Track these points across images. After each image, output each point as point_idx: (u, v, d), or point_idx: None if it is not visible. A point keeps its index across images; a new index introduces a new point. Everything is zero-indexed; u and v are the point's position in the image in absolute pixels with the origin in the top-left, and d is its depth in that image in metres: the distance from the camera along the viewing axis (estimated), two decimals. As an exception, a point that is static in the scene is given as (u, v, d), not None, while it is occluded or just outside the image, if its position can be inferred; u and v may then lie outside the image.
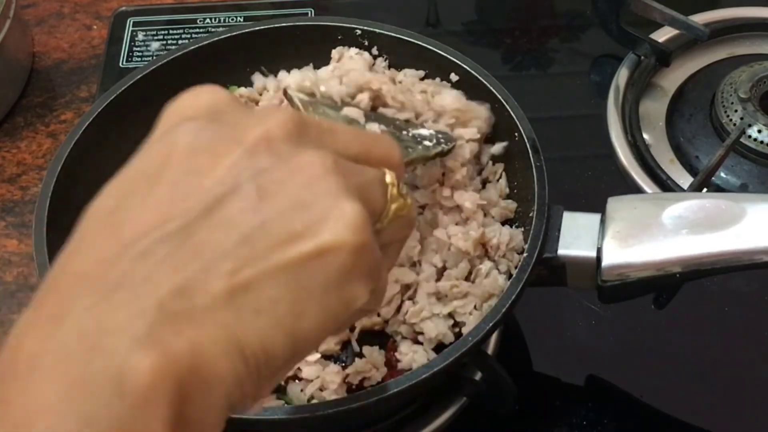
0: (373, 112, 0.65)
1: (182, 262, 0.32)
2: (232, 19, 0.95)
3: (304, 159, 0.36)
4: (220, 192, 0.34)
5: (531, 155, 0.64)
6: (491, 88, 0.68)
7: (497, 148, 0.68)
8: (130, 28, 0.94)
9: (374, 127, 0.63)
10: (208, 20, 0.94)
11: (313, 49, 0.74)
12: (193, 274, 0.32)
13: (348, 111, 0.64)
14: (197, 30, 0.94)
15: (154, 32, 0.93)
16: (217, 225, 0.33)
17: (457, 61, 0.70)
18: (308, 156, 0.36)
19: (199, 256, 0.33)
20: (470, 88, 0.69)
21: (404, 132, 0.64)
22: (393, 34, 0.73)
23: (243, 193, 0.34)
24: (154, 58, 0.90)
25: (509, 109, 0.66)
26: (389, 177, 0.40)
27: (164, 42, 0.92)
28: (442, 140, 0.65)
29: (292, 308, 0.34)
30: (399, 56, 0.74)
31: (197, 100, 0.38)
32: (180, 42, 0.92)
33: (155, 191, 0.34)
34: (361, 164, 0.39)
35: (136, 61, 0.90)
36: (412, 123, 0.66)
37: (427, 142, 0.64)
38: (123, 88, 0.69)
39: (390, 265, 0.43)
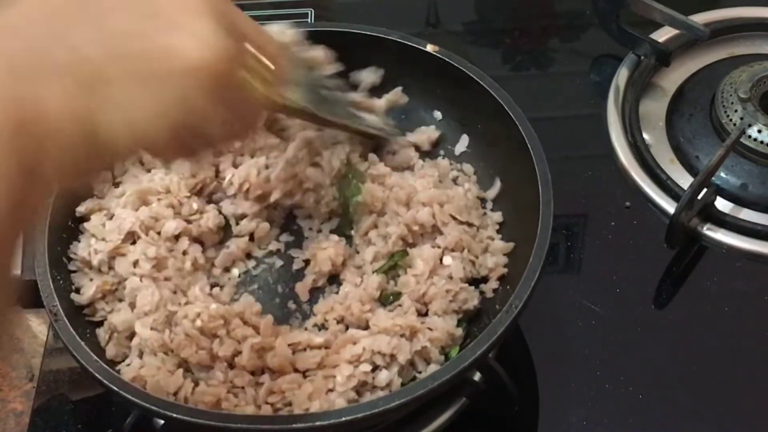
0: (334, 79, 0.67)
1: (62, 27, 0.38)
2: (232, 19, 0.94)
3: None
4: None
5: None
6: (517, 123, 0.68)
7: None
8: (130, 28, 0.93)
9: (333, 93, 0.66)
10: (208, 20, 0.94)
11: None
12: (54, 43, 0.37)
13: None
14: (197, 30, 0.93)
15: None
16: (84, 8, 0.39)
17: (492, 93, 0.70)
18: None
19: (60, 29, 0.38)
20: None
21: (352, 107, 0.68)
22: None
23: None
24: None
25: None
26: (260, 56, 0.45)
27: (164, 42, 0.92)
28: (379, 129, 0.70)
29: (135, 101, 0.38)
30: (402, 64, 0.74)
31: None
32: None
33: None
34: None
35: (136, 61, 0.90)
36: (361, 107, 0.71)
37: (364, 122, 0.69)
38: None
39: (228, 138, 0.48)
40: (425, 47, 0.72)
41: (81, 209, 0.66)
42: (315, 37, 0.74)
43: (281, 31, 0.62)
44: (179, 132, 0.41)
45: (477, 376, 0.60)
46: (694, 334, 0.71)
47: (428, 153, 0.74)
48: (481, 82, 0.70)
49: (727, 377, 0.68)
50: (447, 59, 0.72)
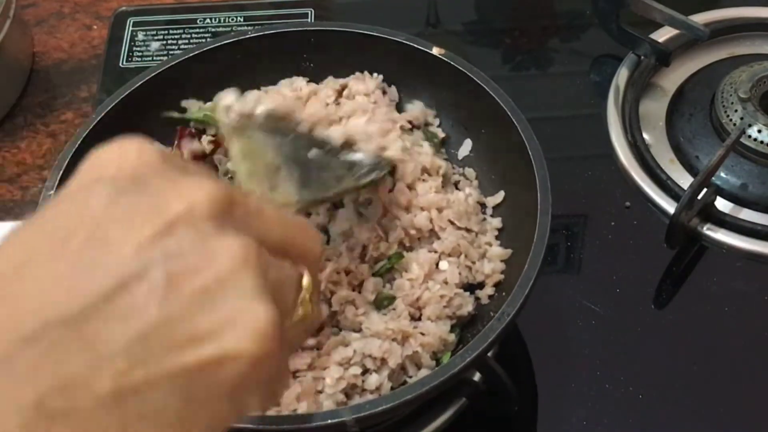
0: (307, 134, 0.62)
1: (71, 353, 0.29)
2: (232, 19, 0.95)
3: (224, 245, 0.32)
4: (126, 273, 0.31)
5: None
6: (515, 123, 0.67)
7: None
8: (130, 28, 0.94)
9: (310, 154, 0.60)
10: (208, 20, 0.94)
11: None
12: (80, 370, 0.29)
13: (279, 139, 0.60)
14: (197, 30, 0.94)
15: (154, 32, 0.93)
16: (115, 315, 0.30)
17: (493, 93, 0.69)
18: (228, 242, 0.32)
19: (89, 349, 0.30)
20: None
21: (337, 158, 0.61)
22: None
23: (150, 280, 0.31)
24: (154, 58, 0.90)
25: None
26: (306, 280, 0.37)
27: (164, 42, 0.92)
28: (376, 166, 0.62)
29: (179, 416, 0.31)
30: (405, 66, 0.74)
31: (122, 157, 0.34)
32: (180, 42, 0.92)
33: (57, 262, 0.31)
34: (281, 253, 0.36)
35: (136, 61, 0.90)
36: (347, 147, 0.63)
37: (359, 169, 0.61)
38: (128, 92, 0.69)
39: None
40: (431, 50, 0.72)
41: None
42: (317, 37, 0.75)
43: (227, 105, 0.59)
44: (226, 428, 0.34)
45: (477, 377, 0.60)
46: (694, 334, 0.71)
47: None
48: (485, 87, 0.69)
49: (727, 377, 0.68)
50: (452, 63, 0.71)
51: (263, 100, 0.60)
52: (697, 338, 0.70)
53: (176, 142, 0.69)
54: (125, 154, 0.34)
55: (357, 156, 0.62)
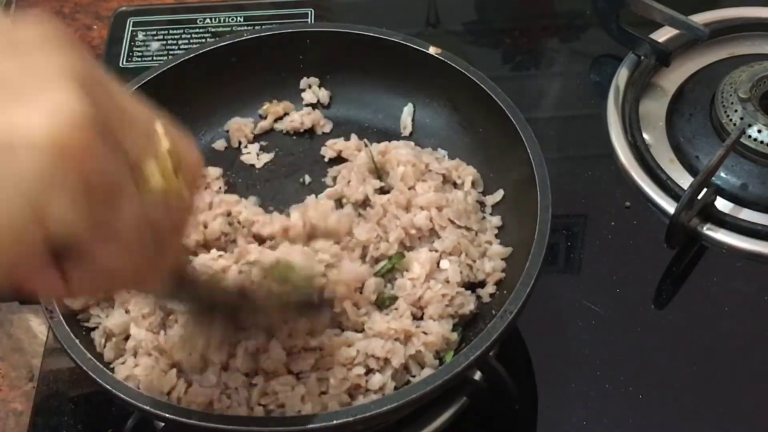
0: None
1: None
2: (232, 19, 0.95)
3: (46, 51, 0.30)
4: None
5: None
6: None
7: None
8: (130, 28, 0.94)
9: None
10: (208, 20, 0.94)
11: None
12: None
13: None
14: (197, 30, 0.94)
15: (154, 32, 0.93)
16: None
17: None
18: (52, 52, 0.30)
19: None
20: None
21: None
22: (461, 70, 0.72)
23: None
24: (154, 58, 0.90)
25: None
26: (164, 145, 0.33)
27: (164, 42, 0.92)
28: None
29: None
30: (404, 66, 0.74)
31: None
32: (180, 42, 0.92)
33: None
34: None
35: (136, 61, 0.90)
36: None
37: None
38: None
39: (169, 256, 0.35)
40: (428, 49, 0.72)
41: None
42: (315, 38, 0.75)
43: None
44: (30, 254, 0.29)
45: (477, 375, 0.60)
46: (694, 334, 0.71)
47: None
48: (482, 86, 0.70)
49: (727, 377, 0.68)
50: (449, 62, 0.72)
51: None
52: (697, 338, 0.70)
53: None
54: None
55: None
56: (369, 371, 0.59)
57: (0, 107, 0.28)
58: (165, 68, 0.71)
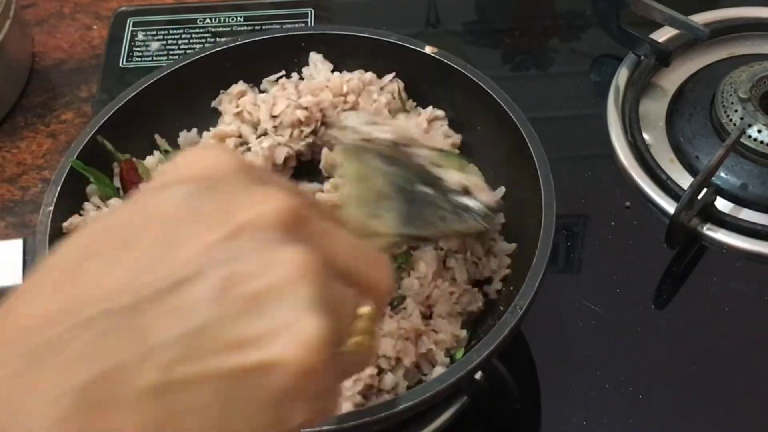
0: (424, 169, 0.59)
1: (120, 343, 0.30)
2: (232, 19, 0.95)
3: (286, 255, 0.32)
4: (184, 273, 0.31)
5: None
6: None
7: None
8: (130, 28, 0.94)
9: (422, 189, 0.57)
10: (208, 20, 0.94)
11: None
12: (126, 359, 0.30)
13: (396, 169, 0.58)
14: (197, 30, 0.94)
15: (154, 32, 0.93)
16: (168, 311, 0.31)
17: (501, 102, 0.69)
18: (291, 253, 0.32)
19: (138, 341, 0.30)
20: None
21: (448, 198, 0.58)
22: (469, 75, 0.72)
23: (206, 281, 0.31)
24: (154, 58, 0.90)
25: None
26: (366, 310, 0.36)
27: (164, 42, 0.92)
28: (485, 217, 0.58)
29: (220, 419, 0.31)
30: (401, 66, 0.74)
31: (201, 161, 0.35)
32: (180, 42, 0.92)
33: (122, 256, 0.32)
34: (347, 278, 0.35)
35: (136, 61, 0.90)
36: (459, 191, 0.59)
37: (467, 216, 0.58)
38: (133, 94, 0.70)
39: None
40: (423, 49, 0.72)
41: (66, 224, 0.65)
42: (312, 41, 0.75)
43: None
44: None
45: (478, 375, 0.60)
46: (694, 334, 0.71)
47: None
48: (480, 84, 0.70)
49: (727, 377, 0.68)
50: (446, 61, 0.72)
51: (385, 127, 0.59)
52: (697, 338, 0.70)
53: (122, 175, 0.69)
54: (205, 159, 0.35)
55: (469, 201, 0.59)
56: (380, 371, 0.59)
57: (258, 328, 0.31)
58: (167, 72, 0.72)
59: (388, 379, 0.58)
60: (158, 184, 0.35)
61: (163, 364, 0.30)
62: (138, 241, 0.32)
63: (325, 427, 0.52)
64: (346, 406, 0.57)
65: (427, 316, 0.63)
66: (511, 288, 0.63)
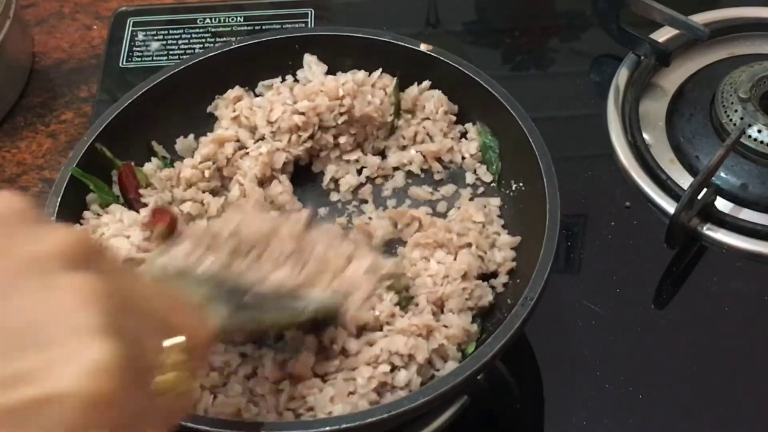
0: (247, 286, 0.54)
1: None
2: (232, 19, 0.95)
3: (66, 281, 0.31)
4: None
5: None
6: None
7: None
8: (130, 28, 0.94)
9: (249, 297, 0.53)
10: (208, 20, 0.94)
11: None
12: None
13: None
14: (197, 30, 0.94)
15: (154, 32, 0.93)
16: None
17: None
18: (71, 278, 0.31)
19: None
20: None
21: (278, 302, 0.55)
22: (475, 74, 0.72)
23: None
24: (154, 58, 0.90)
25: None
26: (175, 341, 0.35)
27: (164, 42, 0.92)
28: (325, 303, 0.56)
29: None
30: (398, 64, 0.74)
31: None
32: (180, 42, 0.92)
33: None
34: (146, 317, 0.34)
35: (136, 61, 0.90)
36: (292, 296, 0.55)
37: (293, 310, 0.55)
38: (134, 97, 0.70)
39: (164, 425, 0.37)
40: (418, 47, 0.72)
41: None
42: (309, 42, 0.75)
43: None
44: None
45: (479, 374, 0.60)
46: (694, 334, 0.71)
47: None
48: (477, 79, 0.70)
49: (727, 377, 0.68)
50: (442, 58, 0.72)
51: (206, 263, 0.54)
52: (697, 338, 0.70)
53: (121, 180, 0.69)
54: None
55: (300, 303, 0.55)
56: (394, 368, 0.59)
57: (40, 359, 0.30)
58: (161, 78, 0.72)
59: (402, 375, 0.58)
60: None
61: None
62: None
63: (344, 425, 0.52)
64: (361, 404, 0.57)
65: (437, 313, 0.63)
66: (518, 281, 0.64)
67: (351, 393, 0.58)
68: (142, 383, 0.33)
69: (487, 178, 0.71)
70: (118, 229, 0.64)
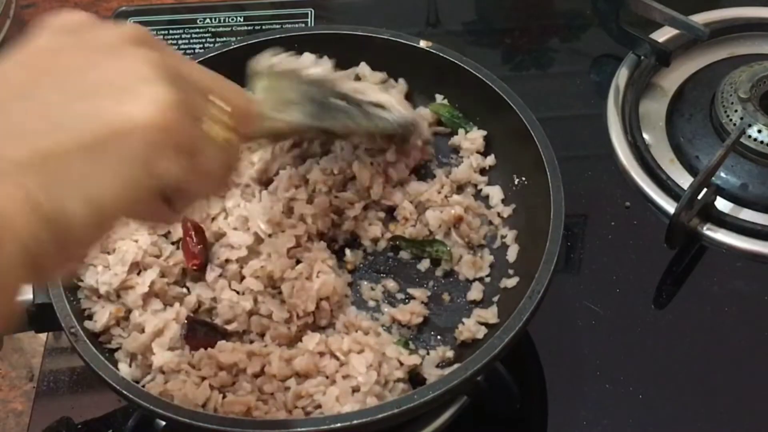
0: (337, 92, 0.65)
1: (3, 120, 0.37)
2: (232, 19, 0.95)
3: (137, 52, 0.40)
4: (50, 71, 0.39)
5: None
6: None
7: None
8: (130, 28, 0.93)
9: (335, 101, 0.64)
10: (208, 20, 0.94)
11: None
12: (2, 141, 0.37)
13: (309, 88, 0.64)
14: (197, 30, 0.94)
15: (154, 32, 0.93)
16: (30, 98, 0.38)
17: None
18: (141, 51, 0.41)
19: (6, 127, 0.37)
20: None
21: (360, 107, 0.65)
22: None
23: (62, 74, 0.39)
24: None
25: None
26: (219, 102, 0.44)
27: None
28: (395, 121, 0.66)
29: (94, 177, 0.37)
30: (398, 62, 0.74)
31: (62, 16, 0.43)
32: (180, 42, 0.92)
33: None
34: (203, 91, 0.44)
35: (136, 61, 0.90)
36: (375, 104, 0.66)
37: (378, 120, 0.65)
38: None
39: (208, 190, 0.47)
40: (418, 43, 0.73)
41: None
42: (308, 41, 0.75)
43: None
44: (150, 198, 0.40)
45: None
46: (694, 334, 0.71)
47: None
48: (476, 74, 0.70)
49: (727, 377, 0.68)
50: (441, 54, 0.72)
51: (318, 68, 0.65)
52: (697, 338, 0.70)
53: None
54: (65, 16, 0.43)
55: (383, 112, 0.66)
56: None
57: (116, 102, 0.39)
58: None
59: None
60: (34, 34, 0.42)
61: (31, 141, 0.37)
62: (11, 65, 0.41)
63: (355, 422, 0.52)
64: (370, 401, 0.57)
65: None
66: (519, 279, 0.65)
67: (355, 390, 0.58)
68: (194, 120, 0.42)
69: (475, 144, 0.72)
70: (125, 232, 0.64)
